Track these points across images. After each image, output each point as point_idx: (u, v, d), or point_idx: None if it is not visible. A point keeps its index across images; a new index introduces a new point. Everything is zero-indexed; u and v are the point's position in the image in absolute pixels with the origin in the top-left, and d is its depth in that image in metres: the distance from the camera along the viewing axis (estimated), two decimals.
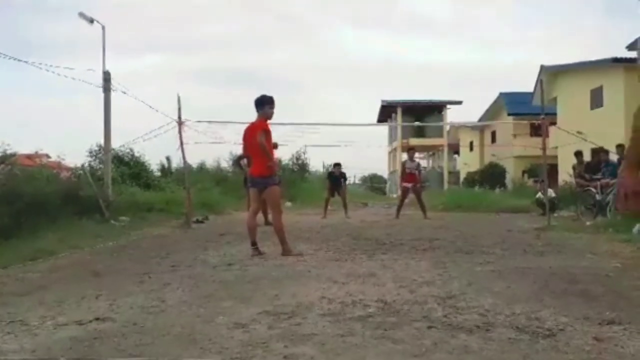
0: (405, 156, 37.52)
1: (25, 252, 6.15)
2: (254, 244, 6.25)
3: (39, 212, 7.92)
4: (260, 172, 6.18)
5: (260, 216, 7.52)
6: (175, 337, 2.95)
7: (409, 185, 13.03)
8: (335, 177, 14.00)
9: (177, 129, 10.96)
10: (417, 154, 16.41)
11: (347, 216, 13.12)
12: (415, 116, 34.49)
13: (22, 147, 13.83)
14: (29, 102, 58.02)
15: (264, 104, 6.24)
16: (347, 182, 15.75)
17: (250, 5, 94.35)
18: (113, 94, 11.47)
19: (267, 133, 6.19)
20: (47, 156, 14.57)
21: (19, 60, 9.65)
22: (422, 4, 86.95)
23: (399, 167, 35.60)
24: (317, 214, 13.46)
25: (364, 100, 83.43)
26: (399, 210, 13.01)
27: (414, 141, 34.43)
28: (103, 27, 12.48)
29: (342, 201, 13.87)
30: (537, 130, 20.90)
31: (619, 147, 11.05)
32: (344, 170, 14.37)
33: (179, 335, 2.97)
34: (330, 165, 15.10)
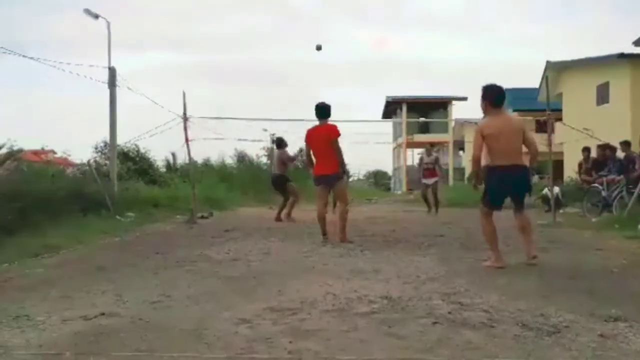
0: (411, 152, 37.51)
1: (31, 247, 6.18)
2: (324, 233, 6.96)
3: (44, 208, 7.94)
4: (333, 170, 6.89)
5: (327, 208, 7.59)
6: (181, 332, 2.97)
7: (428, 181, 12.55)
8: None
9: (182, 125, 10.98)
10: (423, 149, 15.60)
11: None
12: (420, 112, 34.35)
13: (29, 143, 13.85)
14: (35, 98, 58.20)
15: (330, 112, 7.05)
16: (352, 178, 15.60)
17: (254, 2, 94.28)
18: (118, 90, 11.49)
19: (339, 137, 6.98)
20: (53, 152, 14.62)
21: (24, 57, 9.69)
22: (427, 0, 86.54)
23: (403, 163, 35.61)
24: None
25: (368, 97, 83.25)
26: (428, 206, 12.63)
27: (419, 137, 34.35)
28: (108, 23, 12.51)
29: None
30: (542, 127, 20.80)
31: (625, 143, 11.00)
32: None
33: (184, 331, 2.98)
34: None
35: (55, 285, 4.32)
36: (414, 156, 41.73)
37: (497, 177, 4.97)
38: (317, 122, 7.10)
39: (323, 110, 7.00)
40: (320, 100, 7.13)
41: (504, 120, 5.00)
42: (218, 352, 2.62)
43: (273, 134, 25.04)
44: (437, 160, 13.06)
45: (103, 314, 3.36)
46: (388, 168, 44.10)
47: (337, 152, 6.87)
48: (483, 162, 5.15)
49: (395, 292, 3.87)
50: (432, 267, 5.04)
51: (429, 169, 12.60)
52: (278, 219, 10.62)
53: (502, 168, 4.89)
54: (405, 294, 3.82)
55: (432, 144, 14.16)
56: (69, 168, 13.41)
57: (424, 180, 12.66)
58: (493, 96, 5.02)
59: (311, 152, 7.15)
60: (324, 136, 6.88)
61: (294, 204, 10.95)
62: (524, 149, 5.13)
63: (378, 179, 45.23)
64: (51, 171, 11.06)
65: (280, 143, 11.72)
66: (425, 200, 12.73)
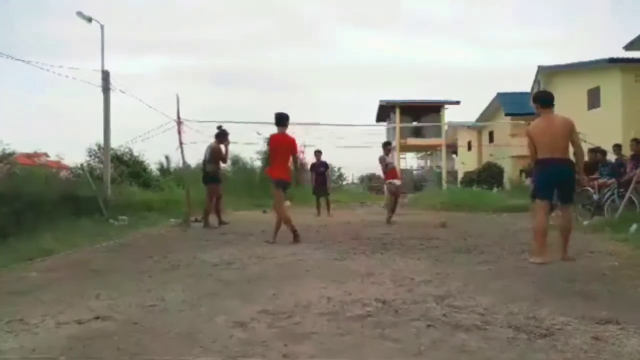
0: (404, 155, 37.55)
1: (24, 251, 6.15)
2: (295, 230, 7.43)
3: (38, 212, 7.91)
4: (290, 177, 7.72)
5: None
6: (175, 336, 2.97)
7: (397, 182, 11.26)
8: (317, 168, 13.76)
9: (176, 128, 10.97)
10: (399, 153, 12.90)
11: (329, 214, 12.89)
12: (413, 116, 34.47)
13: (21, 146, 13.80)
14: (28, 101, 57.95)
15: (288, 121, 7.62)
16: (346, 182, 15.49)
17: (249, 6, 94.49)
18: (113, 94, 11.46)
19: None
20: (46, 155, 14.56)
21: (18, 60, 9.64)
22: (420, 4, 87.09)
23: (398, 167, 35.67)
24: (313, 213, 13.40)
25: (362, 100, 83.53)
26: (391, 211, 11.04)
27: (412, 141, 34.46)
28: (102, 27, 12.47)
29: (325, 199, 13.60)
30: None
31: (616, 147, 11.09)
32: (325, 159, 14.09)
33: (179, 334, 2.98)
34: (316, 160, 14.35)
35: (49, 289, 4.31)
36: (407, 160, 41.94)
37: (541, 168, 5.62)
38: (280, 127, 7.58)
39: (284, 119, 7.58)
40: (281, 111, 7.62)
41: (549, 120, 5.62)
42: (213, 356, 2.62)
43: (267, 138, 24.91)
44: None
45: (97, 317, 3.35)
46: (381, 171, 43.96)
47: (294, 160, 7.90)
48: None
49: (389, 295, 3.89)
50: (426, 270, 5.06)
51: (394, 168, 11.45)
52: (221, 221, 10.17)
53: (545, 161, 5.53)
54: (399, 297, 3.83)
55: (389, 143, 11.96)
56: (62, 171, 13.35)
57: (393, 181, 11.14)
58: (541, 99, 5.83)
59: (272, 155, 7.73)
60: (288, 146, 7.57)
61: (209, 208, 10.15)
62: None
63: (372, 183, 45.12)
64: (44, 174, 11.01)
65: (220, 134, 10.39)
66: (394, 205, 11.17)
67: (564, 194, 5.65)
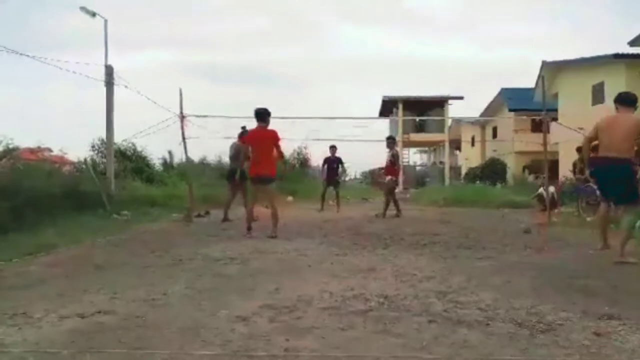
0: (407, 151, 37.46)
1: (27, 246, 6.17)
2: (250, 228, 7.55)
3: (40, 206, 7.93)
4: (269, 173, 7.48)
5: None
6: (177, 330, 2.97)
7: (383, 180, 11.43)
8: (331, 163, 13.78)
9: (178, 123, 10.95)
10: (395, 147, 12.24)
11: (338, 210, 12.91)
12: (417, 111, 34.33)
13: (25, 141, 13.77)
14: (31, 96, 58.00)
15: (269, 117, 7.55)
16: (348, 178, 15.24)
17: (251, 2, 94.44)
18: (116, 88, 11.46)
19: None
20: (49, 150, 14.55)
21: (22, 54, 9.63)
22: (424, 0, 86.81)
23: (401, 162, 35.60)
24: (316, 208, 13.40)
25: (366, 96, 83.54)
26: (396, 208, 11.35)
27: (415, 136, 34.38)
28: (105, 21, 12.47)
29: (335, 195, 13.60)
30: (538, 126, 20.89)
31: None
32: (339, 155, 13.84)
33: (181, 328, 2.99)
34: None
35: (51, 284, 4.32)
36: (410, 155, 41.87)
37: (596, 168, 5.56)
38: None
39: (264, 115, 7.53)
40: (262, 106, 7.58)
41: (617, 117, 5.41)
42: (215, 350, 2.63)
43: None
44: (395, 156, 11.74)
45: (99, 311, 3.36)
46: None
47: (279, 155, 7.77)
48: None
49: (391, 291, 3.89)
50: (427, 265, 5.06)
51: (386, 165, 11.51)
52: (225, 218, 10.10)
53: (599, 159, 5.40)
54: (401, 292, 3.84)
55: (391, 138, 12.09)
56: (65, 166, 13.37)
57: (379, 179, 11.51)
58: (622, 99, 5.51)
59: (250, 152, 7.62)
60: (268, 139, 7.46)
61: (246, 202, 9.89)
62: None
63: (374, 178, 45.13)
64: (47, 169, 11.02)
65: (243, 133, 10.04)
66: (388, 200, 11.45)
67: (617, 193, 5.35)
